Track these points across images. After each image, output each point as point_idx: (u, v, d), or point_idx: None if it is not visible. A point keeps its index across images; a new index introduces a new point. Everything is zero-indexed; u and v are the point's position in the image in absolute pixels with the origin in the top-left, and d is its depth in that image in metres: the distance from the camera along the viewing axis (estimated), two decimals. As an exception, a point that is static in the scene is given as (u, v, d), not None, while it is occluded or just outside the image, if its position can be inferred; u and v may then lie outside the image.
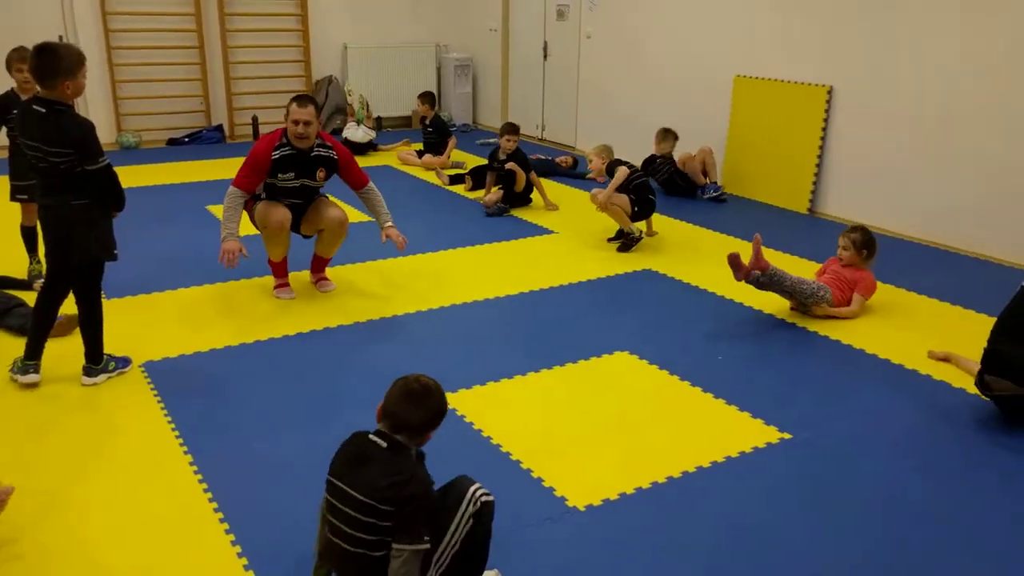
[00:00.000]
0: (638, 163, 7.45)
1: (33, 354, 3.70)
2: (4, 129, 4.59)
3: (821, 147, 6.71)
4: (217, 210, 5.27)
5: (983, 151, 5.68)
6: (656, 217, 6.48)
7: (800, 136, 6.81)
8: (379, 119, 8.97)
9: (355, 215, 6.59)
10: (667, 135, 7.28)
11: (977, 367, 3.55)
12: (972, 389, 3.66)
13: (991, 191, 5.67)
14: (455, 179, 7.64)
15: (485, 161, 7.65)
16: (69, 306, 3.77)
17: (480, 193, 7.14)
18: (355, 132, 8.88)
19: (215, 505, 2.89)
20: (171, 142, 9.28)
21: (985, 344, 3.48)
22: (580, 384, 3.85)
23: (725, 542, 2.75)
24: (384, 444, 2.24)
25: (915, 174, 6.11)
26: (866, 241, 4.71)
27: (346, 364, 4.01)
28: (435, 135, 8.45)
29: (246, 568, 2.59)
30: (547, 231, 6.26)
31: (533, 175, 6.86)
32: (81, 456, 3.18)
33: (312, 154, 4.65)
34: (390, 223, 4.85)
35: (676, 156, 7.35)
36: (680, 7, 7.79)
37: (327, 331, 4.37)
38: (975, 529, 2.84)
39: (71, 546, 2.66)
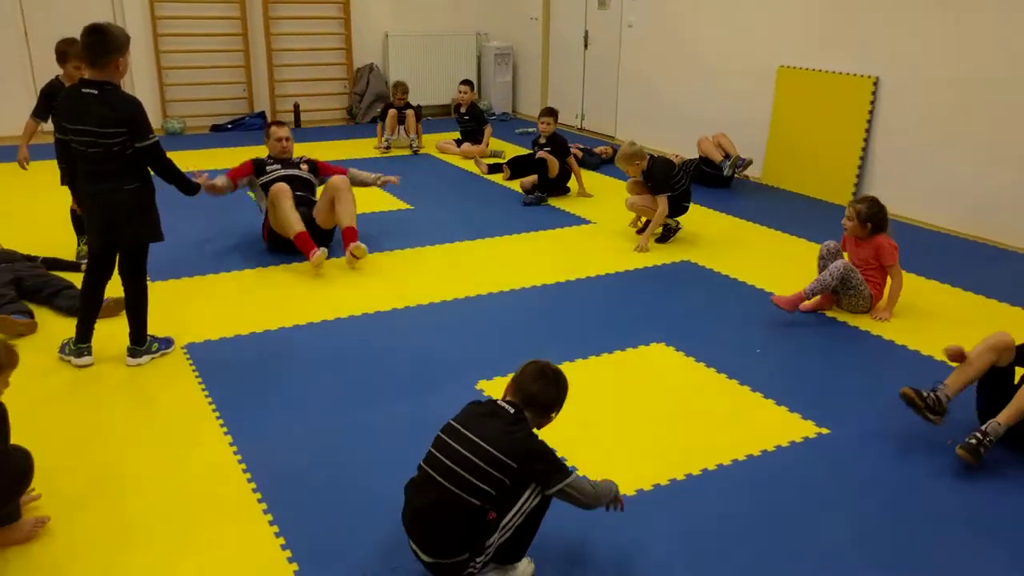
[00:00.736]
0: (679, 148, 7.42)
1: (84, 337, 3.79)
2: (51, 116, 4.70)
3: (866, 139, 6.60)
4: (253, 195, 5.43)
5: (1034, 145, 5.54)
6: (695, 208, 6.43)
7: (844, 128, 6.70)
8: (419, 107, 8.99)
9: (390, 203, 6.65)
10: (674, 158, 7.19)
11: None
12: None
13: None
14: (493, 168, 7.65)
15: (524, 151, 7.67)
16: (116, 289, 3.86)
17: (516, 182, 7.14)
18: (397, 141, 8.68)
19: (253, 485, 2.95)
20: (215, 128, 9.42)
21: None
22: (616, 375, 3.85)
23: (759, 537, 2.74)
24: (511, 411, 2.42)
25: (961, 167, 5.98)
26: (871, 214, 4.43)
27: (383, 350, 4.04)
28: (472, 123, 8.46)
29: (283, 548, 2.63)
30: (585, 221, 6.24)
31: (572, 160, 6.84)
32: (124, 435, 3.26)
33: (292, 159, 5.52)
34: (377, 175, 5.73)
35: (694, 145, 7.30)
36: (724, -4, 7.70)
37: (364, 317, 4.41)
38: (1009, 530, 2.79)
39: (112, 522, 2.73)
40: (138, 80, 9.08)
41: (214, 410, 3.44)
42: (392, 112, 8.40)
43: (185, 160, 7.85)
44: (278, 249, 5.27)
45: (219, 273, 4.99)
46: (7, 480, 2.58)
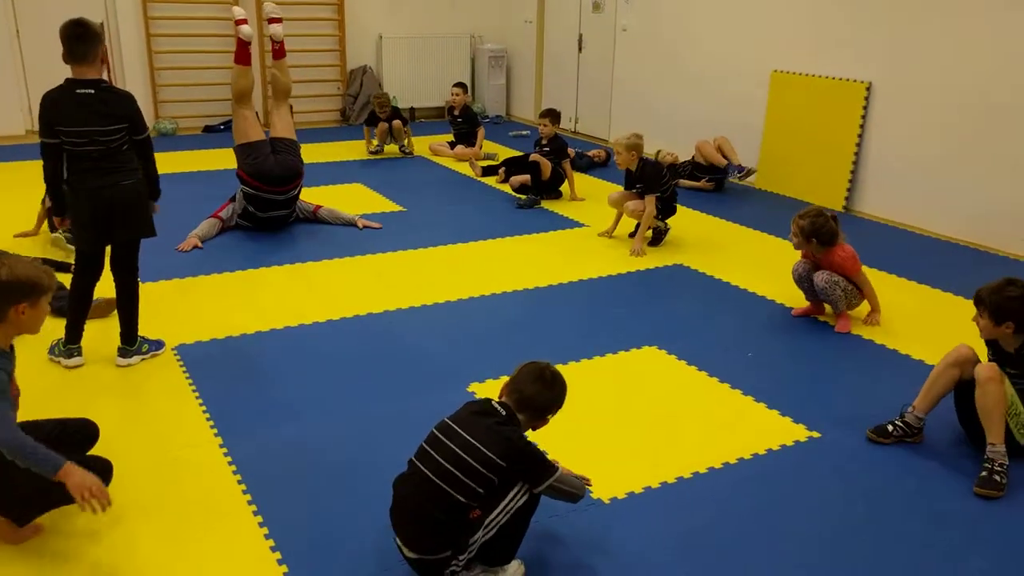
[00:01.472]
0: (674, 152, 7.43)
1: (74, 337, 3.78)
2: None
3: (858, 144, 6.62)
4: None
5: (1025, 151, 5.57)
6: (687, 212, 6.45)
7: (837, 133, 6.72)
8: (412, 110, 8.98)
9: (383, 206, 6.64)
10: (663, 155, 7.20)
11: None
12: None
13: (1032, 192, 5.57)
14: (488, 171, 7.64)
15: (518, 153, 7.67)
16: (106, 290, 3.84)
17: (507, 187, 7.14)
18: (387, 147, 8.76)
19: (243, 487, 2.93)
20: (207, 129, 9.39)
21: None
22: (608, 378, 3.85)
23: (750, 539, 2.74)
24: (503, 412, 2.43)
25: (954, 173, 6.00)
26: (813, 230, 4.22)
27: (375, 352, 4.03)
28: (465, 125, 8.46)
29: (273, 549, 2.62)
30: (577, 224, 6.24)
31: (567, 164, 6.86)
32: (114, 436, 3.23)
33: None
34: (359, 217, 6.00)
35: (687, 149, 7.31)
36: (718, 1, 7.71)
37: (356, 319, 4.40)
38: (997, 535, 2.80)
39: (101, 525, 2.71)
40: (130, 80, 9.04)
41: (204, 411, 3.43)
42: (383, 125, 8.37)
43: (178, 161, 7.85)
44: (250, 224, 5.69)
45: (210, 275, 4.97)
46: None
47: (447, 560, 2.35)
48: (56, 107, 3.46)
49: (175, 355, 3.92)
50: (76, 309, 3.78)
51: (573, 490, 2.48)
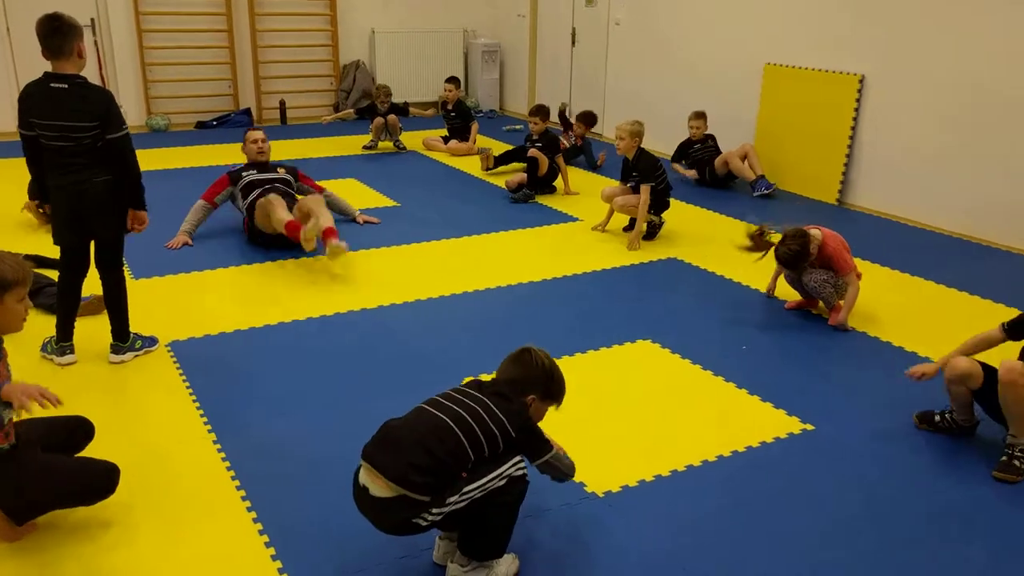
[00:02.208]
0: (667, 146, 7.43)
1: (65, 335, 3.76)
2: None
3: (851, 137, 6.62)
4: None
5: (1016, 143, 5.57)
6: (683, 206, 6.45)
7: (830, 126, 6.73)
8: (406, 105, 8.98)
9: (376, 201, 6.63)
10: (699, 117, 7.20)
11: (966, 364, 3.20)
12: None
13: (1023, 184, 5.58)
14: (499, 161, 7.51)
15: (511, 147, 7.66)
16: (97, 286, 3.82)
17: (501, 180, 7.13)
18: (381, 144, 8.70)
19: (237, 483, 2.93)
20: (199, 125, 9.36)
21: None
22: (602, 372, 3.85)
23: (743, 531, 2.74)
24: (507, 390, 2.47)
25: (947, 166, 6.01)
26: (801, 253, 4.22)
27: (369, 347, 4.03)
28: (458, 120, 8.45)
29: (267, 545, 2.62)
30: (572, 218, 6.24)
31: (560, 160, 6.86)
32: (107, 432, 3.22)
33: (269, 163, 5.58)
34: (358, 212, 5.86)
35: (714, 151, 7.27)
36: (710, -6, 7.72)
37: (350, 314, 4.40)
38: (990, 527, 2.81)
39: (95, 520, 2.71)
40: (122, 76, 9.02)
41: (198, 408, 3.42)
42: (378, 120, 8.34)
43: (170, 157, 7.83)
44: (260, 244, 5.26)
45: (203, 271, 4.96)
46: (80, 487, 2.61)
47: (421, 506, 2.24)
48: (30, 100, 3.47)
49: (168, 351, 3.91)
50: (63, 305, 3.76)
51: (565, 469, 2.51)
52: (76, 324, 3.82)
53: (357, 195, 6.63)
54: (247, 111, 9.58)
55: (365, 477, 2.33)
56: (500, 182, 7.16)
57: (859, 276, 4.39)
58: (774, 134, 7.21)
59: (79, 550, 2.59)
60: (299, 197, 5.39)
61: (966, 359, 3.16)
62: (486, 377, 2.53)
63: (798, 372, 3.89)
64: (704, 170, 7.20)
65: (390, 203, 6.54)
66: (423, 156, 8.27)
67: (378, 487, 2.28)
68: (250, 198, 5.30)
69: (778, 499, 2.92)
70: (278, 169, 5.57)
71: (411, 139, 8.97)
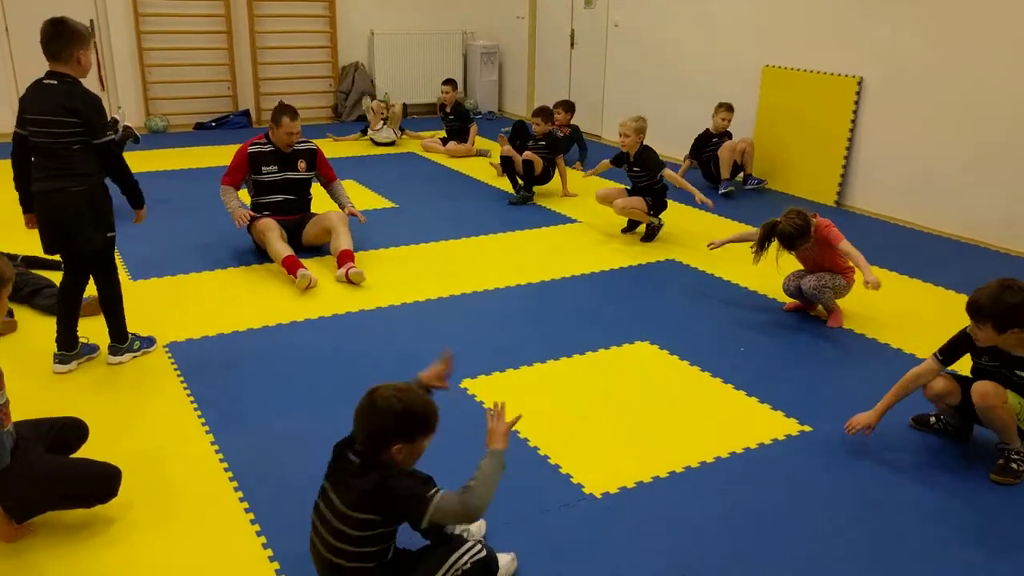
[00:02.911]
0: (667, 147, 7.44)
1: (64, 343, 3.69)
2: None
3: (850, 139, 6.63)
4: (242, 194, 5.33)
5: (1014, 145, 5.58)
6: (679, 208, 6.45)
7: (829, 128, 6.73)
8: (404, 106, 9.00)
9: (375, 202, 6.63)
10: (728, 109, 7.10)
11: None
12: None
13: (1022, 186, 5.58)
14: (506, 167, 7.48)
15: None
16: (88, 287, 3.81)
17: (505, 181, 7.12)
18: (379, 133, 8.76)
19: (235, 484, 2.93)
20: (198, 126, 9.36)
21: None
22: (600, 373, 3.85)
23: (741, 532, 2.74)
24: (357, 460, 2.20)
25: (945, 168, 6.02)
26: (802, 228, 4.17)
27: (367, 349, 4.03)
28: (457, 122, 8.46)
29: (264, 547, 2.62)
30: (570, 220, 6.24)
31: (560, 160, 6.86)
32: (105, 433, 3.22)
33: (291, 149, 5.25)
34: (350, 204, 5.46)
35: (678, 143, 7.28)
36: (709, -4, 7.73)
37: (348, 315, 4.39)
38: (987, 527, 2.81)
39: (93, 520, 2.70)
40: (121, 77, 9.02)
41: (195, 408, 3.42)
42: (378, 104, 8.37)
43: (169, 158, 7.83)
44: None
45: (201, 272, 4.96)
46: (77, 487, 2.62)
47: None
48: (25, 95, 3.48)
49: (166, 352, 3.91)
50: (63, 316, 3.68)
51: (464, 509, 2.13)
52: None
53: (355, 197, 6.61)
54: (246, 112, 9.58)
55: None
56: (499, 184, 7.16)
57: (852, 281, 4.40)
58: (772, 136, 7.22)
59: (77, 548, 2.58)
60: (316, 212, 5.35)
61: (942, 379, 3.15)
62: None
63: (796, 373, 3.89)
64: (711, 165, 7.17)
65: (388, 204, 6.55)
66: (421, 158, 8.27)
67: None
68: (262, 201, 5.22)
69: (776, 501, 2.92)
70: (299, 163, 5.27)
71: (411, 144, 8.98)
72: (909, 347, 4.14)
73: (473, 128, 8.41)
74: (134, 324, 3.87)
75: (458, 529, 2.51)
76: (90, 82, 8.93)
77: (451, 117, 8.48)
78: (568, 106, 7.89)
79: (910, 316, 4.55)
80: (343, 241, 5.02)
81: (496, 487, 2.21)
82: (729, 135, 7.19)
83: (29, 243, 5.08)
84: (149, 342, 3.91)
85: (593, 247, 5.63)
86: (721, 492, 2.96)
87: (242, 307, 4.47)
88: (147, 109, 9.20)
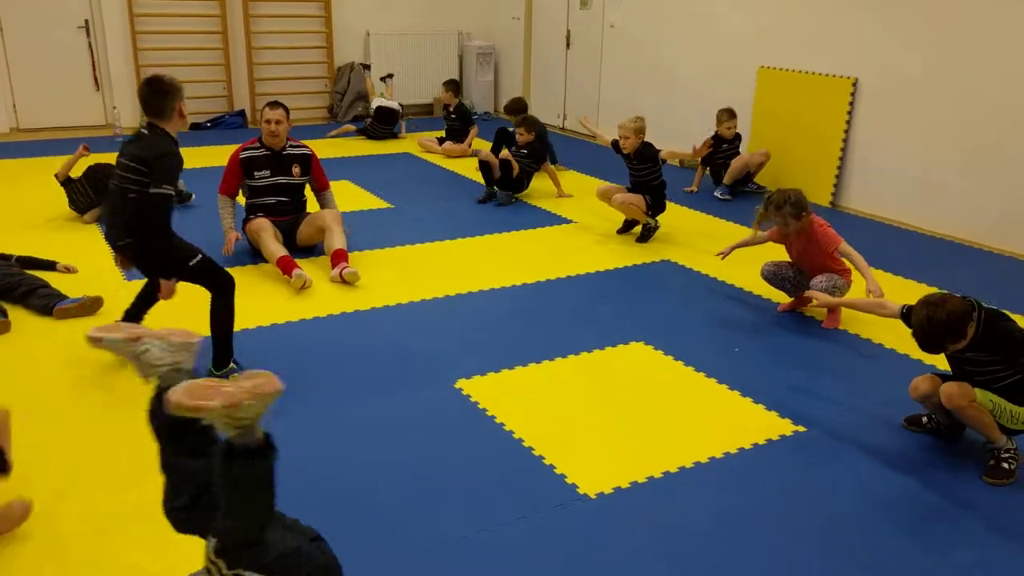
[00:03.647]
0: (662, 146, 7.43)
1: (216, 364, 3.68)
2: None
3: (845, 140, 6.65)
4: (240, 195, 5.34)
5: (1008, 146, 5.60)
6: (675, 208, 6.45)
7: (824, 128, 6.75)
8: (401, 106, 9.04)
9: (370, 202, 6.63)
10: (732, 115, 6.97)
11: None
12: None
13: (1015, 187, 5.59)
14: (504, 176, 7.41)
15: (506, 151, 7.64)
16: (90, 287, 3.80)
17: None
18: (387, 101, 8.98)
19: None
20: (193, 127, 9.34)
21: None
22: (595, 374, 3.85)
23: (735, 532, 2.75)
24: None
25: (939, 168, 6.04)
26: (797, 204, 4.22)
27: (361, 349, 4.02)
28: (458, 122, 8.48)
29: (258, 547, 2.61)
30: (565, 220, 6.25)
31: (548, 166, 6.90)
32: (102, 432, 3.22)
33: (285, 152, 5.22)
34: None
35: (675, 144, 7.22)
36: (704, -3, 7.74)
37: (343, 315, 4.39)
38: (981, 528, 2.82)
39: (92, 519, 2.70)
40: (116, 78, 9.00)
41: (190, 409, 3.41)
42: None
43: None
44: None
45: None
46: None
47: None
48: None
49: (161, 353, 3.89)
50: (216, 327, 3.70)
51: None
52: (65, 323, 3.78)
53: (351, 197, 6.63)
54: (241, 112, 9.57)
55: None
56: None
57: (849, 281, 4.40)
58: (767, 136, 7.23)
59: (72, 548, 2.58)
60: (310, 212, 5.36)
61: (926, 380, 3.21)
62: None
63: (790, 374, 3.90)
64: (719, 172, 7.12)
65: (384, 205, 6.54)
66: (418, 158, 8.27)
67: None
68: (256, 203, 5.22)
69: (770, 500, 2.92)
70: (293, 168, 5.22)
71: (407, 143, 8.99)
72: (903, 348, 4.14)
73: (473, 130, 8.43)
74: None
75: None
76: (85, 82, 8.99)
77: (453, 117, 8.52)
78: (515, 110, 7.68)
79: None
80: (337, 241, 5.03)
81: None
82: (739, 138, 7.12)
83: (24, 243, 5.08)
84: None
85: (588, 248, 5.63)
86: (715, 492, 2.96)
87: (237, 307, 4.44)
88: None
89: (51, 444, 3.14)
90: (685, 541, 2.70)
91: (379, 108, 8.94)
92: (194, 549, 2.60)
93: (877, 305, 3.52)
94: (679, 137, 7.44)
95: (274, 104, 5.20)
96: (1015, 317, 3.62)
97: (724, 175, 7.04)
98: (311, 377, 3.72)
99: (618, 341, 4.16)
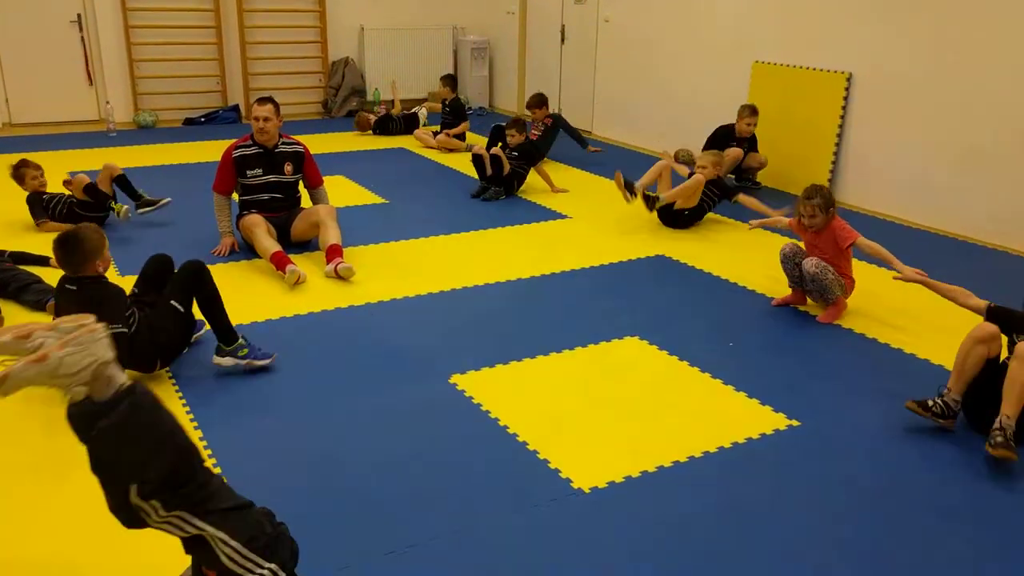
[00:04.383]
0: (656, 141, 7.44)
1: (225, 339, 3.69)
2: None
3: (839, 135, 6.65)
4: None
5: (1003, 142, 5.61)
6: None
7: (818, 124, 6.76)
8: (392, 103, 9.05)
9: (365, 198, 6.62)
10: (753, 112, 6.84)
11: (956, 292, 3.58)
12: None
13: (1009, 183, 5.61)
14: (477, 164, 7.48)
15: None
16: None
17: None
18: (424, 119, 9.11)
19: (224, 479, 2.91)
20: (187, 122, 9.32)
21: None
22: (589, 368, 3.85)
23: (728, 527, 2.75)
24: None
25: (933, 164, 6.05)
26: (827, 198, 4.34)
27: (357, 345, 4.02)
28: (451, 116, 8.49)
29: (253, 543, 2.61)
30: (561, 216, 6.25)
31: (541, 167, 6.93)
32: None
33: (277, 151, 5.18)
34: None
35: (671, 139, 7.26)
36: (699, -9, 7.73)
37: (338, 311, 4.39)
38: (979, 521, 2.83)
39: (83, 520, 2.70)
40: (109, 72, 8.97)
41: (184, 405, 3.41)
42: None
43: (157, 154, 7.79)
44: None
45: (191, 267, 4.93)
46: None
47: None
48: None
49: (155, 349, 3.89)
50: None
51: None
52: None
53: (345, 192, 6.62)
54: (235, 107, 9.54)
55: None
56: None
57: (848, 282, 4.42)
58: (762, 132, 7.21)
59: (71, 547, 2.58)
60: (303, 207, 5.34)
61: (991, 325, 3.25)
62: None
63: (785, 368, 3.91)
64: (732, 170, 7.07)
65: (379, 200, 6.53)
66: (412, 153, 8.26)
67: None
68: (250, 200, 5.19)
69: (764, 494, 2.93)
70: (285, 166, 5.18)
71: (403, 138, 8.97)
72: (897, 342, 4.16)
73: (465, 124, 8.43)
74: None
75: None
76: (78, 77, 8.95)
77: (447, 111, 8.53)
78: (539, 101, 7.74)
79: (898, 311, 4.57)
80: (331, 236, 5.02)
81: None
82: (754, 138, 7.01)
83: (16, 239, 5.07)
84: (259, 355, 3.71)
85: (583, 242, 5.63)
86: (710, 487, 2.97)
87: (230, 303, 4.42)
88: (136, 104, 9.15)
89: (42, 444, 3.13)
90: (679, 535, 2.70)
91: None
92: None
93: (962, 293, 3.53)
94: (672, 131, 7.47)
95: (262, 100, 5.14)
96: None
97: (733, 171, 7.06)
98: (305, 373, 3.72)
99: (612, 336, 4.16)
